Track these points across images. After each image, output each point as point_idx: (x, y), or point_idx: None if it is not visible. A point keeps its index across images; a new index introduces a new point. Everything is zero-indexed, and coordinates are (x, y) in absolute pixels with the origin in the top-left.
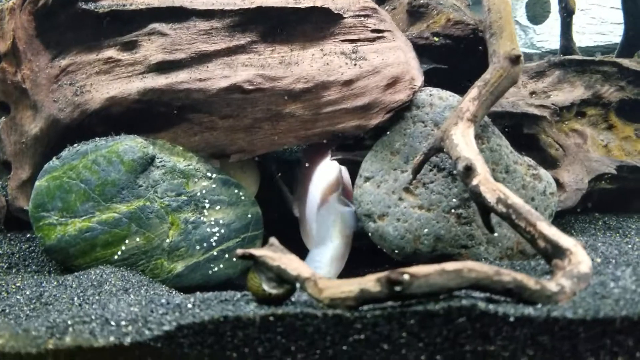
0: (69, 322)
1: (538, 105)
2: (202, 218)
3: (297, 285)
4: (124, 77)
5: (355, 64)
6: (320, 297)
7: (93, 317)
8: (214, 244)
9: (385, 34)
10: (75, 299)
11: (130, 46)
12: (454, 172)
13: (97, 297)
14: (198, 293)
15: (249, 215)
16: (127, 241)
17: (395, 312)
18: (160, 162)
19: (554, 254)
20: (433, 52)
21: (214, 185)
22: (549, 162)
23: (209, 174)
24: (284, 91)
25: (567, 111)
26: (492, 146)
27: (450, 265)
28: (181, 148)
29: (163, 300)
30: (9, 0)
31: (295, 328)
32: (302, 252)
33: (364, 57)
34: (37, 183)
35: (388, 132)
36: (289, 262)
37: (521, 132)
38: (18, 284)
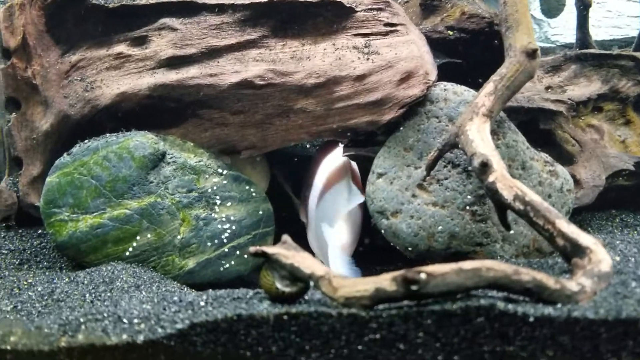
0: (82, 320)
1: (554, 100)
2: (213, 214)
3: (311, 283)
4: (135, 72)
5: (367, 59)
6: (335, 296)
7: (105, 314)
8: (225, 240)
9: (398, 28)
10: (87, 295)
11: (141, 41)
12: (469, 168)
13: (108, 294)
14: (210, 290)
15: (260, 212)
16: (138, 237)
17: (411, 312)
18: (171, 158)
19: (573, 252)
20: (447, 46)
21: (225, 182)
22: (565, 158)
23: (219, 170)
24: (296, 86)
25: (583, 106)
26: (508, 142)
27: (467, 264)
28: (192, 144)
29: (175, 298)
30: None
31: (310, 327)
32: (312, 251)
33: (377, 51)
34: (48, 179)
35: (401, 128)
36: (303, 260)
37: (537, 127)
38: (30, 281)
